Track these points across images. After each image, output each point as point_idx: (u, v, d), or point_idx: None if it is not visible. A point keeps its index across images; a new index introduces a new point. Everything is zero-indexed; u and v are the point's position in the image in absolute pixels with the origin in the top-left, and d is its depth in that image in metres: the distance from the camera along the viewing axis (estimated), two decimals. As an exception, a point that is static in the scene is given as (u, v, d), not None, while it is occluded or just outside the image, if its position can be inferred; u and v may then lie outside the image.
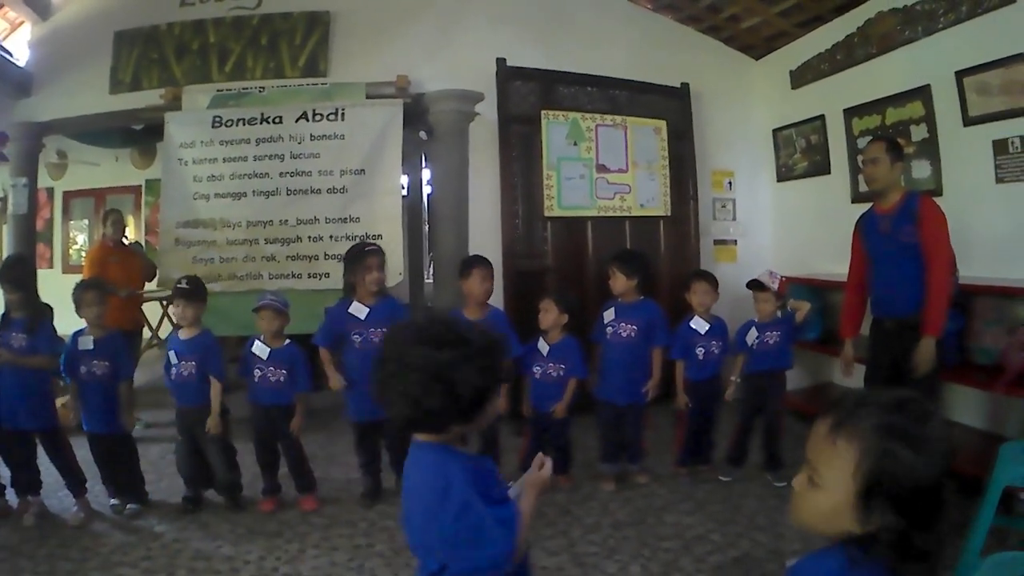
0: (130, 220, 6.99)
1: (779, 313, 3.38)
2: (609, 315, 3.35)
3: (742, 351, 3.39)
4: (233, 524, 3.04)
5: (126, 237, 4.86)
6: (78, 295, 3.13)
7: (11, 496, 3.14)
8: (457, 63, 4.46)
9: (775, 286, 3.35)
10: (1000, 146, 3.41)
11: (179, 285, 3.22)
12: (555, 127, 4.48)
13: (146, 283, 4.81)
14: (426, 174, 6.24)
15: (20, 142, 5.03)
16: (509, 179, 4.40)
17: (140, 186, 6.90)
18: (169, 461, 3.34)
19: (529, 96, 4.49)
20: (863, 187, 4.31)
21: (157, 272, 4.65)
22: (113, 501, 3.16)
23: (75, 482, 3.12)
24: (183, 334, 3.18)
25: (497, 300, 4.14)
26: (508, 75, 4.44)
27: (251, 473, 3.38)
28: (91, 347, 3.08)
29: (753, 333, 3.35)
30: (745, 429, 3.41)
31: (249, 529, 3.00)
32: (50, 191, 7.28)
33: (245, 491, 3.29)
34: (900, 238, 2.81)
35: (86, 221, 7.29)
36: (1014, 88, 3.30)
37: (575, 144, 4.52)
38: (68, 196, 7.34)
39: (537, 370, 3.28)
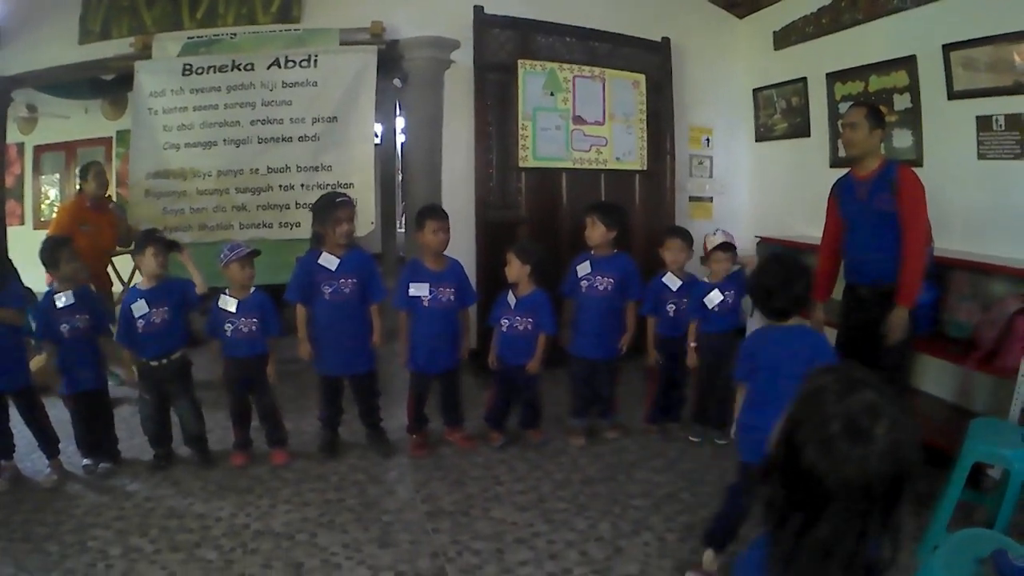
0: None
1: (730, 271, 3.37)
2: (584, 268, 3.31)
3: (699, 315, 3.32)
4: (204, 481, 3.04)
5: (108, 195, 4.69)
6: (50, 254, 3.04)
7: None
8: (433, 9, 4.35)
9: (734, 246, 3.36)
10: (984, 122, 3.38)
11: (158, 234, 3.20)
12: (532, 77, 4.40)
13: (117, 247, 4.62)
14: (400, 122, 6.17)
15: None
16: (483, 128, 4.34)
17: (111, 137, 6.76)
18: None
19: (506, 44, 4.40)
20: (843, 152, 4.29)
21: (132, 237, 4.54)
22: (86, 461, 3.12)
23: (48, 443, 3.08)
24: (148, 284, 3.11)
25: (469, 250, 4.14)
26: (485, 23, 4.34)
27: (222, 428, 3.38)
28: (72, 301, 3.01)
29: (716, 295, 3.28)
30: (706, 390, 3.39)
31: (220, 485, 2.99)
32: (20, 146, 7.11)
33: (215, 447, 3.28)
34: (876, 206, 2.78)
35: (57, 175, 7.15)
36: (1001, 66, 3.26)
37: (552, 95, 4.45)
38: (39, 150, 7.18)
39: (505, 323, 3.26)
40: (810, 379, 1.00)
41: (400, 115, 6.02)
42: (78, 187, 4.46)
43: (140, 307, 3.04)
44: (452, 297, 3.21)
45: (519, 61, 4.37)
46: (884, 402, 0.94)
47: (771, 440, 1.02)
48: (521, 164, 4.39)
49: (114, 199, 5.18)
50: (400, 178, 6.29)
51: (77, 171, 4.63)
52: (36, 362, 4.15)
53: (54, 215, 4.53)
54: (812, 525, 0.93)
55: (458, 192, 4.26)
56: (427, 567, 2.38)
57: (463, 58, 4.36)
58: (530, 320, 3.24)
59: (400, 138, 6.24)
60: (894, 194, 2.74)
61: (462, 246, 3.76)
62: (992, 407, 3.17)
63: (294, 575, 2.33)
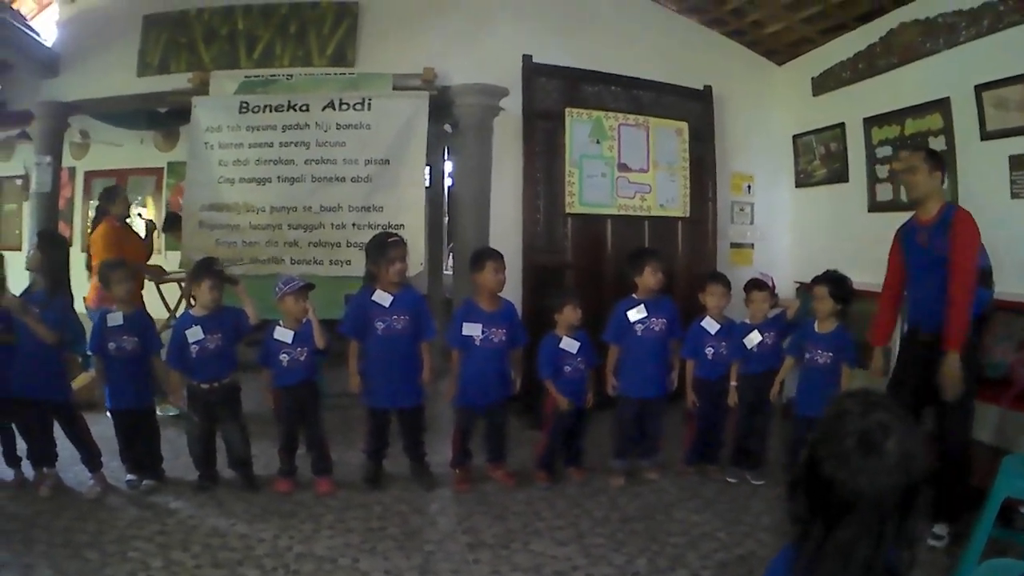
0: (149, 201, 7.06)
1: (769, 314, 3.43)
2: (639, 313, 3.37)
3: (740, 356, 3.40)
4: (248, 503, 3.09)
5: (140, 215, 4.83)
6: (106, 273, 3.20)
7: (27, 468, 3.18)
8: (483, 58, 4.49)
9: (770, 284, 3.43)
10: (1017, 161, 3.41)
11: (216, 267, 3.31)
12: (579, 125, 4.51)
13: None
14: (448, 166, 6.30)
15: (46, 121, 5.09)
16: (532, 174, 4.43)
17: (162, 168, 6.96)
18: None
19: (553, 93, 4.52)
20: (881, 196, 4.34)
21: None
22: (129, 477, 3.21)
23: (90, 456, 3.17)
24: (202, 311, 3.21)
25: (516, 293, 4.20)
26: (533, 71, 4.47)
27: (266, 455, 3.45)
28: (121, 322, 3.14)
29: (755, 336, 3.38)
30: (745, 431, 3.44)
31: (264, 508, 3.04)
32: (72, 170, 7.33)
33: (260, 472, 3.34)
34: (935, 252, 2.73)
35: (107, 201, 7.37)
36: None
37: (598, 142, 4.55)
38: (89, 176, 7.40)
39: (568, 368, 3.34)
40: (834, 403, 1.13)
41: (449, 159, 6.14)
42: (97, 211, 4.46)
43: (195, 333, 3.14)
44: (504, 338, 3.29)
45: (566, 109, 4.49)
46: (896, 421, 1.06)
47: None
48: (568, 210, 4.47)
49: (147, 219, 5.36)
50: (447, 221, 6.41)
51: (98, 196, 4.63)
52: (82, 379, 4.29)
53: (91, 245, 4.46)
54: (832, 532, 1.04)
55: (506, 236, 4.33)
56: (467, 596, 2.41)
57: (512, 105, 4.48)
58: (585, 359, 3.37)
59: (448, 182, 6.38)
60: (949, 238, 2.69)
61: (508, 289, 3.82)
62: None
63: (335, 596, 2.36)
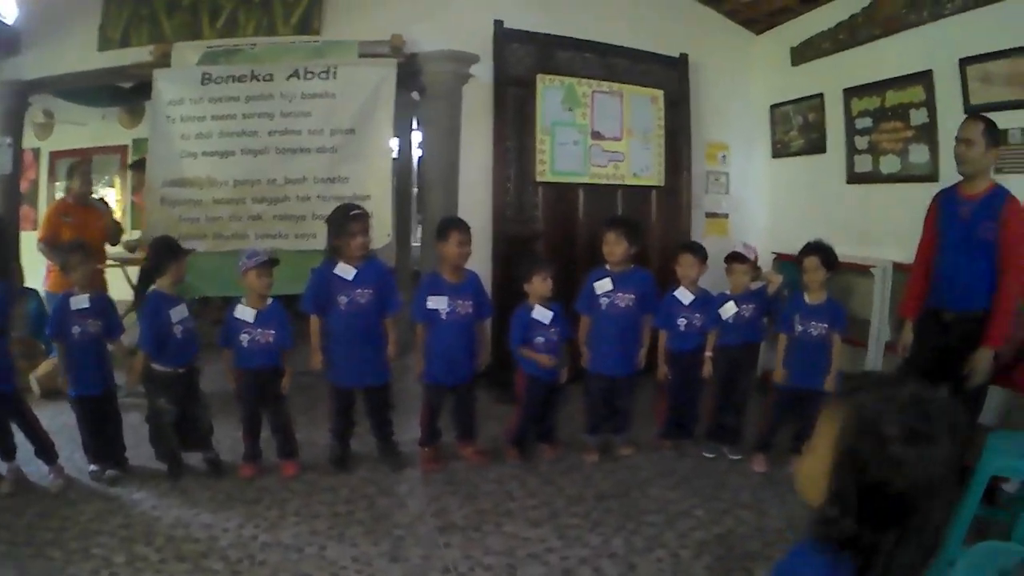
0: (116, 180, 6.90)
1: (752, 286, 3.36)
2: (604, 286, 3.27)
3: (716, 326, 3.34)
4: (213, 491, 3.01)
5: (94, 194, 4.74)
6: (64, 258, 3.09)
7: None
8: (453, 23, 4.36)
9: (751, 257, 3.35)
10: (1000, 137, 3.37)
11: (182, 246, 3.23)
12: (551, 91, 4.42)
13: (108, 245, 4.62)
14: (416, 137, 6.20)
15: (6, 101, 4.92)
16: (502, 142, 4.34)
17: (127, 146, 6.81)
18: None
19: (525, 59, 4.42)
20: (860, 167, 4.30)
21: (121, 235, 4.62)
22: (92, 467, 3.10)
23: (43, 448, 3.05)
24: (173, 291, 3.10)
25: (485, 263, 4.14)
26: (505, 37, 4.36)
27: (230, 439, 3.35)
28: (87, 305, 3.02)
29: (731, 307, 3.31)
30: (721, 404, 3.39)
31: (228, 495, 2.96)
32: (36, 152, 7.16)
33: (225, 457, 3.25)
34: (977, 231, 2.65)
35: (72, 182, 7.20)
36: (1017, 80, 3.26)
37: (570, 110, 4.46)
38: (54, 156, 7.21)
39: (540, 339, 3.23)
40: (844, 401, 0.97)
41: (417, 129, 6.03)
42: (67, 188, 4.49)
43: (180, 311, 3.04)
44: (470, 310, 3.20)
45: (538, 76, 4.39)
46: (922, 389, 0.93)
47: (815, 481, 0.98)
48: (539, 178, 4.39)
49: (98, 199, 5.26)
50: (416, 192, 6.31)
51: (65, 173, 4.66)
52: (46, 366, 4.17)
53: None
54: (896, 535, 0.90)
55: (475, 206, 4.24)
56: (438, 582, 2.34)
57: (482, 72, 4.38)
58: (559, 330, 3.27)
59: (416, 152, 6.26)
60: (998, 224, 2.60)
61: (478, 259, 3.75)
62: (1008, 422, 3.12)
63: (302, 588, 2.29)
